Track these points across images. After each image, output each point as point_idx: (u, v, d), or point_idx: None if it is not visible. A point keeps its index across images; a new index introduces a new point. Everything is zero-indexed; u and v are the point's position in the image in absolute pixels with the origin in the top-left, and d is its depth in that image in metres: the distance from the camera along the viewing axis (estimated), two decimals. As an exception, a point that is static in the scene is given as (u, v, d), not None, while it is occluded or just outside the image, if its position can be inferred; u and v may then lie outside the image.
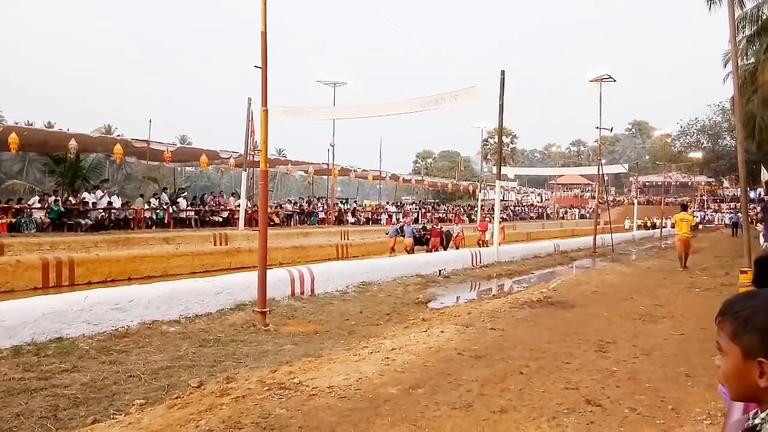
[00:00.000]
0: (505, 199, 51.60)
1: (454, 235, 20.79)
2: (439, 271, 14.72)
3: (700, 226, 46.74)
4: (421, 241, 19.15)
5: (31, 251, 14.12)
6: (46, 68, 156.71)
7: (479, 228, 22.96)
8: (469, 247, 19.53)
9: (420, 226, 19.64)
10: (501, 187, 20.69)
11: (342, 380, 4.60)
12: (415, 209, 40.65)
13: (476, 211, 42.39)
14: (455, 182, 53.54)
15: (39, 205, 18.80)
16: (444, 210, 44.59)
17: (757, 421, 1.05)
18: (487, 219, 24.85)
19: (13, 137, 17.47)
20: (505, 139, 64.56)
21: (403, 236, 19.01)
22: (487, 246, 20.30)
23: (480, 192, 44.30)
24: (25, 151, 30.84)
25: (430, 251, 18.13)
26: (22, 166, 51.65)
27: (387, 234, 20.66)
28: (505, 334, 6.52)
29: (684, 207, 17.09)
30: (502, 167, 20.64)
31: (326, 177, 34.72)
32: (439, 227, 19.95)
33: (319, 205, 32.66)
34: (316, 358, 5.72)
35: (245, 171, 23.10)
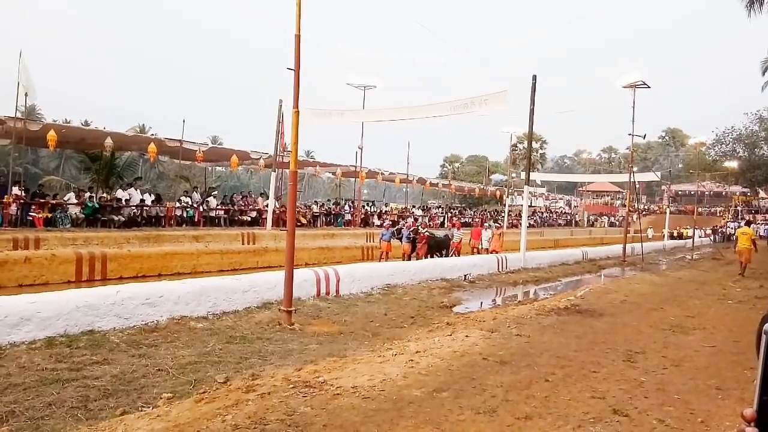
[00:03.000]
0: (533, 205, 51.07)
1: (456, 241, 19.92)
2: (465, 275, 14.64)
3: (733, 237, 45.57)
4: (415, 246, 18.23)
5: (65, 246, 14.50)
6: (81, 76, 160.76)
7: (471, 235, 21.35)
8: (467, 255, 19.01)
9: (412, 230, 18.71)
10: (529, 193, 20.45)
11: (366, 381, 4.61)
12: (441, 213, 40.50)
13: (503, 217, 42.09)
14: (482, 187, 53.21)
15: (75, 201, 19.29)
16: (470, 215, 44.33)
17: None
18: (486, 226, 23.26)
19: (51, 134, 17.96)
20: (535, 145, 63.95)
21: (400, 240, 18.33)
22: (481, 254, 19.48)
23: (507, 197, 43.93)
24: (63, 149, 31.68)
25: (418, 258, 17.38)
26: (59, 163, 53.08)
27: (381, 238, 19.20)
28: (531, 341, 6.46)
29: (748, 223, 19.81)
30: (530, 173, 20.40)
31: (353, 179, 34.85)
32: (426, 233, 19.13)
33: (346, 206, 32.80)
34: (340, 358, 5.75)
35: (274, 172, 23.33)
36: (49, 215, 17.77)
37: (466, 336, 6.58)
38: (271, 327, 7.68)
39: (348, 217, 30.58)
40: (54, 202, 19.11)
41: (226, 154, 26.05)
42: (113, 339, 6.58)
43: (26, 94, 17.62)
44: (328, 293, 10.44)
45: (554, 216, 54.22)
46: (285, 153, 22.63)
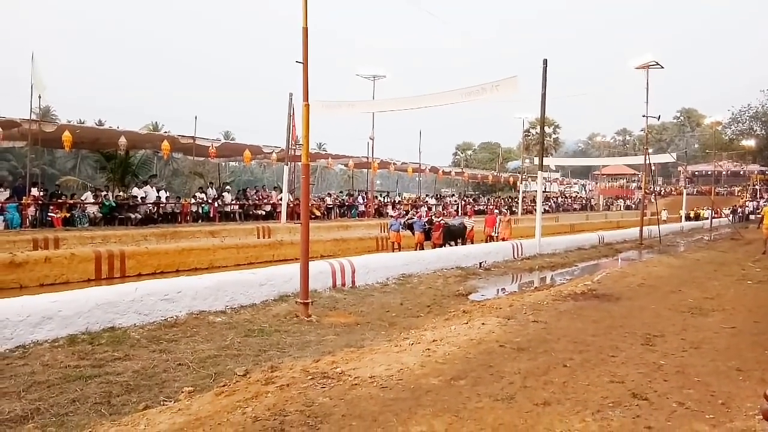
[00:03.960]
0: (547, 190, 50.72)
1: (468, 229, 19.55)
2: (480, 263, 14.61)
3: (752, 216, 44.91)
4: (429, 235, 18.06)
5: (84, 244, 14.72)
6: (93, 76, 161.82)
7: (485, 223, 20.85)
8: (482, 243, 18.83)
9: (426, 220, 18.60)
10: (543, 178, 20.30)
11: (384, 370, 4.64)
12: (455, 201, 40.40)
13: (517, 203, 41.86)
14: (495, 174, 52.93)
15: (92, 200, 19.54)
16: (484, 202, 44.16)
17: None
18: (497, 212, 22.99)
19: (66, 135, 18.19)
20: (548, 130, 63.37)
21: (410, 231, 18.20)
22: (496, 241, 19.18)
23: (521, 183, 43.67)
24: (78, 149, 32.02)
25: (432, 247, 17.28)
26: (75, 163, 53.76)
27: (390, 228, 19.10)
28: (548, 327, 6.44)
29: None
30: (544, 158, 20.22)
31: (366, 170, 34.83)
32: (441, 221, 18.97)
33: (359, 198, 32.83)
34: (357, 348, 5.78)
35: (287, 165, 23.41)
36: (67, 215, 18.04)
37: (483, 324, 6.58)
38: (289, 319, 7.74)
39: (362, 208, 30.62)
40: (72, 201, 19.39)
41: (239, 149, 26.17)
42: (134, 335, 6.68)
43: (39, 96, 17.83)
44: (344, 284, 10.49)
45: (569, 201, 53.83)
46: (297, 146, 22.69)
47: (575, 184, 67.41)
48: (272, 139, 31.98)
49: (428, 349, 5.38)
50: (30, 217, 17.14)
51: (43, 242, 14.29)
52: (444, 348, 5.44)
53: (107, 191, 20.45)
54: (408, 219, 19.20)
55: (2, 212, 16.64)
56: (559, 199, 52.55)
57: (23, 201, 17.35)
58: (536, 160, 21.15)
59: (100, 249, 13.93)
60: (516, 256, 16.24)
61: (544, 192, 31.63)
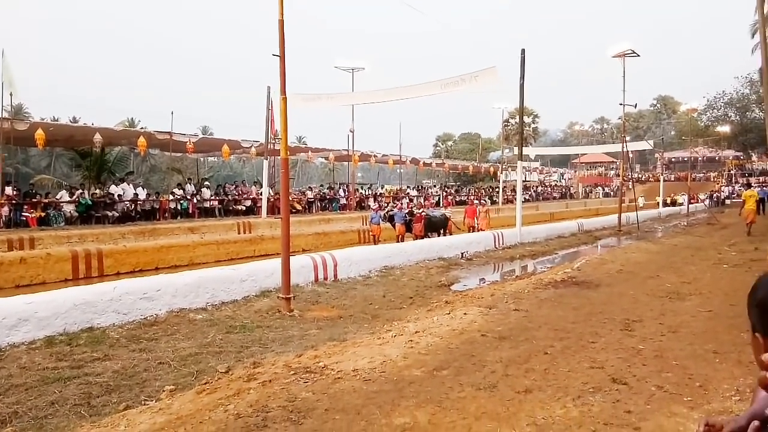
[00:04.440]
0: (527, 179, 51.08)
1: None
2: (462, 253, 14.68)
3: (728, 201, 45.76)
4: (410, 227, 18.06)
5: (60, 244, 14.46)
6: (68, 71, 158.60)
7: (466, 213, 21.01)
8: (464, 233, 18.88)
9: (406, 212, 18.58)
10: (523, 167, 20.39)
11: (366, 363, 4.64)
12: (437, 192, 40.50)
13: (498, 193, 42.09)
14: (476, 164, 53.15)
15: (68, 199, 19.19)
16: (465, 192, 44.35)
17: None
18: (477, 203, 23.11)
19: (39, 133, 17.81)
20: (527, 119, 63.76)
21: (391, 223, 18.22)
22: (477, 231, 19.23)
23: (501, 173, 43.91)
24: (52, 147, 31.40)
25: (414, 238, 17.28)
26: (50, 161, 52.70)
27: (370, 221, 19.07)
28: (529, 315, 6.50)
29: (748, 185, 20.44)
30: (523, 148, 20.33)
31: (347, 163, 34.71)
32: (422, 213, 18.99)
33: (341, 191, 32.74)
34: (340, 342, 5.77)
35: (266, 159, 23.21)
36: (43, 214, 17.70)
37: (465, 313, 6.62)
38: (271, 315, 7.71)
39: (343, 201, 30.54)
40: (47, 200, 19.03)
41: (217, 144, 25.90)
42: (113, 335, 6.59)
43: (11, 94, 17.43)
44: (326, 278, 10.46)
45: (549, 189, 54.30)
46: (276, 140, 22.51)
47: (555, 172, 67.99)
48: (251, 134, 31.75)
49: (411, 341, 5.39)
50: (4, 218, 16.78)
51: (18, 243, 14.01)
52: (427, 339, 5.45)
53: (83, 189, 20.08)
54: (388, 211, 19.19)
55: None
56: (539, 188, 53.00)
57: (-3, 201, 16.98)
58: (516, 150, 21.22)
59: (77, 248, 13.70)
60: (497, 246, 16.34)
61: (524, 181, 31.80)
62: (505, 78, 16.91)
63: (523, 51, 17.00)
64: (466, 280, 11.58)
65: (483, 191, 45.50)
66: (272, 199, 23.77)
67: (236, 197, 25.63)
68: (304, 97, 19.10)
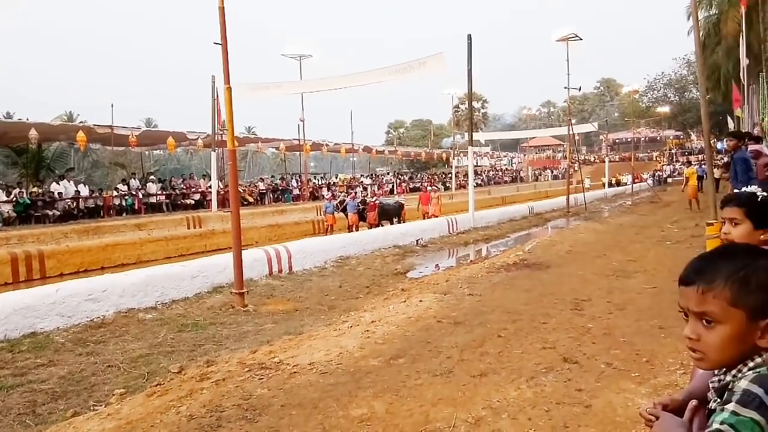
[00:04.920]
0: (478, 164, 51.79)
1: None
2: (417, 240, 14.78)
3: (669, 180, 47.65)
4: (363, 216, 18.10)
5: (-2, 247, 13.76)
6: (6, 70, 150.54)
7: (420, 200, 21.02)
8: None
9: (359, 200, 18.61)
10: (474, 152, 20.65)
11: (323, 356, 4.60)
12: (390, 180, 40.59)
13: (451, 178, 42.52)
14: (428, 151, 53.50)
15: (4, 198, 18.28)
16: (419, 179, 44.61)
17: (728, 378, 1.04)
18: (431, 189, 23.35)
19: (-32, 130, 16.87)
20: (476, 105, 64.52)
21: (344, 213, 18.25)
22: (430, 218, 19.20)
23: (453, 159, 44.37)
24: (-16, 144, 29.84)
25: (369, 227, 17.35)
26: (-16, 160, 50.00)
27: (324, 211, 19.18)
28: (482, 299, 6.59)
29: (689, 163, 21.36)
30: (474, 133, 20.57)
31: (298, 153, 34.35)
32: (376, 201, 19.07)
33: (293, 181, 32.40)
34: (296, 335, 5.71)
35: (214, 151, 22.70)
36: (-23, 216, 16.80)
37: (420, 301, 6.65)
38: (224, 311, 7.56)
39: (296, 192, 30.26)
40: (-20, 201, 18.06)
41: (162, 136, 25.17)
42: (58, 339, 6.34)
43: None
44: (280, 271, 10.34)
45: (500, 174, 55.24)
46: (223, 131, 22.00)
47: (505, 157, 69.18)
48: (198, 125, 30.91)
49: (367, 331, 5.38)
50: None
51: (-50, 247, 13.27)
52: (383, 328, 5.45)
53: (21, 188, 19.15)
54: (340, 201, 19.10)
55: None
56: (491, 173, 53.84)
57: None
58: (468, 136, 21.45)
59: (16, 250, 13.08)
60: (451, 231, 16.52)
61: (475, 166, 32.24)
62: (454, 65, 17.03)
63: (469, 36, 17.13)
64: (422, 267, 11.66)
65: (436, 177, 45.89)
66: (222, 192, 23.30)
67: (184, 191, 25.02)
68: (250, 87, 18.75)
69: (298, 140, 30.44)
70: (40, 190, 19.73)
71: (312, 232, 20.26)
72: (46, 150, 23.40)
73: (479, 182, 42.42)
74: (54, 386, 4.85)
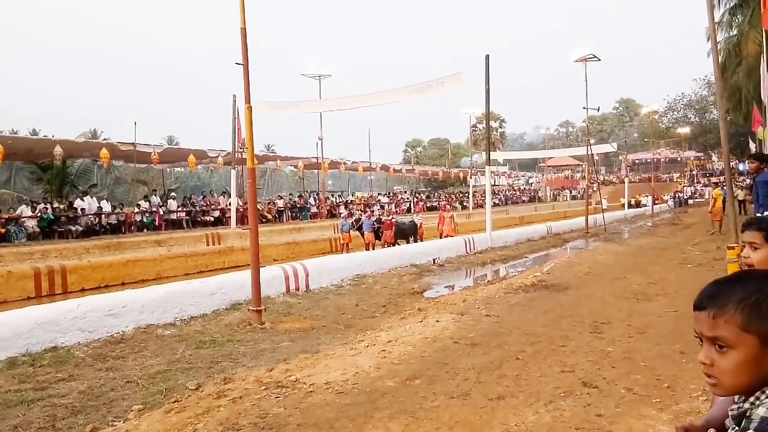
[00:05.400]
0: (496, 184, 51.68)
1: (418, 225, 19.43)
2: (434, 260, 14.74)
3: (690, 201, 47.02)
4: (378, 235, 17.98)
5: (22, 261, 14.01)
6: (30, 89, 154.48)
7: (439, 220, 20.50)
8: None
9: (374, 219, 18.58)
10: (491, 172, 20.62)
11: (339, 375, 4.60)
12: (408, 198, 40.64)
13: (468, 198, 42.46)
14: (446, 170, 53.55)
15: (29, 214, 18.66)
16: (436, 198, 44.60)
17: (746, 405, 1.04)
18: (449, 208, 23.17)
19: (-3, 147, 17.32)
20: (494, 124, 64.55)
21: (359, 231, 18.18)
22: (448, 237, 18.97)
23: (471, 178, 44.35)
24: (11, 160, 30.55)
25: (384, 246, 17.29)
26: (9, 176, 51.18)
27: (341, 229, 19.10)
28: (500, 320, 6.54)
29: (716, 185, 21.26)
30: (491, 152, 20.56)
31: (316, 171, 34.62)
32: (392, 219, 19.03)
33: (311, 199, 32.60)
34: (313, 354, 5.72)
35: (234, 169, 22.98)
36: (3, 230, 17.15)
37: (437, 321, 6.62)
38: (242, 328, 7.59)
39: (314, 209, 30.42)
40: (7, 216, 18.46)
41: (183, 154, 25.56)
42: (78, 354, 6.41)
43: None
44: (297, 289, 10.37)
45: (518, 193, 55.02)
46: (243, 149, 22.30)
47: (522, 176, 68.94)
48: (218, 143, 31.38)
49: (384, 351, 5.37)
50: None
51: (-24, 261, 13.54)
52: (399, 348, 5.44)
53: (45, 204, 19.55)
54: (356, 219, 19.15)
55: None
56: (508, 193, 53.65)
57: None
58: (485, 155, 21.43)
59: (39, 265, 13.31)
60: (468, 251, 16.45)
61: (493, 186, 32.13)
62: (472, 84, 17.12)
63: (487, 57, 17.22)
64: (439, 286, 11.62)
65: (453, 196, 45.86)
66: (241, 210, 23.52)
67: (204, 208, 25.30)
68: (270, 106, 19.02)
69: (317, 158, 30.71)
70: (64, 206, 20.10)
71: (329, 250, 20.33)
72: (70, 166, 23.90)
73: (497, 202, 42.28)
74: (74, 401, 4.90)
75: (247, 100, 8.13)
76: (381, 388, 4.27)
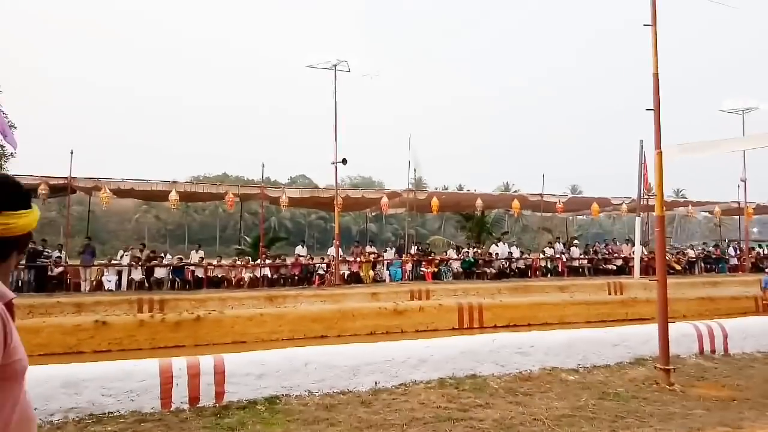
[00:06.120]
0: None
1: None
2: None
3: None
4: None
5: (449, 296, 16.56)
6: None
7: None
8: None
9: None
10: None
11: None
12: None
13: None
14: None
15: (456, 256, 21.99)
16: None
17: None
18: None
19: (434, 201, 21.27)
20: None
21: None
22: None
23: None
24: (443, 212, 36.51)
25: None
26: (441, 224, 61.06)
27: (763, 287, 16.51)
28: None
29: None
30: None
31: (738, 217, 30.05)
32: None
33: (730, 249, 28.41)
34: (734, 429, 5.07)
35: (639, 216, 22.03)
36: (436, 270, 20.64)
37: None
38: (647, 386, 7.23)
39: (733, 261, 26.45)
40: (439, 258, 22.14)
41: (586, 202, 25.89)
42: (492, 384, 7.15)
43: (415, 170, 21.31)
44: (713, 351, 9.23)
45: None
46: (649, 195, 21.25)
47: None
48: (622, 190, 30.61)
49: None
50: (407, 273, 20.23)
51: (417, 293, 16.66)
52: None
53: (468, 248, 22.71)
54: None
55: (389, 267, 20.20)
56: None
57: (403, 258, 20.66)
58: None
59: (461, 301, 15.48)
60: None
61: None
62: None
63: None
64: None
65: None
66: (646, 259, 22.28)
67: (606, 256, 24.93)
68: (682, 148, 17.57)
69: (738, 203, 26.72)
70: (482, 251, 22.93)
71: (754, 310, 17.33)
72: (487, 216, 27.14)
73: None
74: (489, 427, 5.47)
75: (657, 145, 7.91)
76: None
